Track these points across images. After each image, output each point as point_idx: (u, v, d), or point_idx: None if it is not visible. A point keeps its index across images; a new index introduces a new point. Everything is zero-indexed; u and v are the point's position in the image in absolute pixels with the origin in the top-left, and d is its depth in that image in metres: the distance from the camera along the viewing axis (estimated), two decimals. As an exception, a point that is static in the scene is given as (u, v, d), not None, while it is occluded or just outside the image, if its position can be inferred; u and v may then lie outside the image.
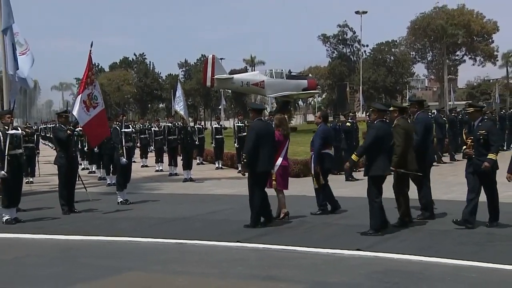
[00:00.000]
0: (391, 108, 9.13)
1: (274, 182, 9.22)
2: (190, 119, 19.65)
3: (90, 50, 11.30)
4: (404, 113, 9.08)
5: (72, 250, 7.98)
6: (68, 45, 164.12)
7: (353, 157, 8.20)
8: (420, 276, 5.98)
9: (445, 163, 18.30)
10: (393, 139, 8.37)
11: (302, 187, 11.99)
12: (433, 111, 27.87)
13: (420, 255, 6.77)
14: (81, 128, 12.02)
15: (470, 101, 16.49)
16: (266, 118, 22.51)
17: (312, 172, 9.87)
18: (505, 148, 23.96)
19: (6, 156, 9.81)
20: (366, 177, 8.28)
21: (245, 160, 8.78)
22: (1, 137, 9.88)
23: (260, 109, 9.80)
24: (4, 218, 9.92)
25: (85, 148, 18.41)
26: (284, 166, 9.40)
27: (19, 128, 10.96)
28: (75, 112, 10.96)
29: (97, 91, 11.25)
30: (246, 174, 8.96)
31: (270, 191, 9.16)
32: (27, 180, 15.19)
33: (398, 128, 8.48)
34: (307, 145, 12.24)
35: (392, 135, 8.35)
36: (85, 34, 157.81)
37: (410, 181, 8.96)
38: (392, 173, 8.51)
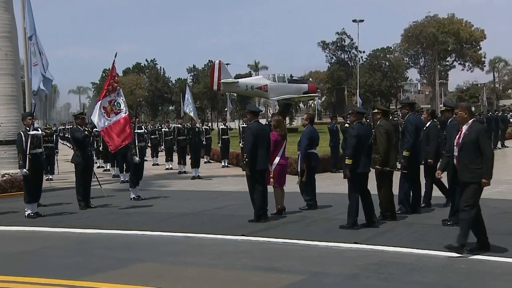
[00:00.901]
0: (375, 110, 9.13)
1: (272, 180, 9.23)
2: (198, 120, 19.68)
3: (114, 60, 11.17)
4: (387, 115, 9.07)
5: (88, 242, 8.00)
6: (84, 52, 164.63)
7: (348, 161, 8.03)
8: (412, 267, 5.97)
9: (436, 161, 18.24)
10: (374, 139, 8.38)
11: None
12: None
13: (413, 248, 6.76)
14: (96, 130, 12.00)
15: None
16: (269, 119, 22.55)
17: (299, 170, 9.83)
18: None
19: (27, 155, 9.86)
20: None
21: (246, 160, 8.78)
22: (23, 137, 9.94)
23: (257, 111, 9.76)
24: (26, 213, 9.97)
25: (100, 148, 18.48)
26: (282, 164, 9.41)
27: (39, 129, 11.03)
28: (93, 118, 10.81)
29: (121, 98, 10.94)
30: (247, 172, 8.93)
31: (269, 188, 9.16)
32: (47, 177, 15.25)
33: (381, 129, 8.46)
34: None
35: (370, 136, 8.34)
36: (100, 42, 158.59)
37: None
38: (375, 170, 8.53)
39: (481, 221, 6.57)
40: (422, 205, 9.52)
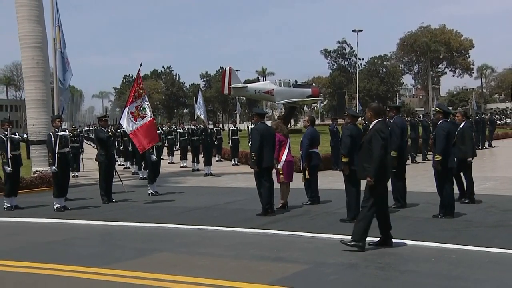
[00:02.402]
0: None
1: (281, 176, 9.20)
2: (210, 122, 19.73)
3: (139, 69, 11.09)
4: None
5: (110, 233, 8.04)
6: (106, 60, 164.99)
7: (343, 159, 7.98)
8: (408, 258, 5.94)
9: (430, 160, 18.12)
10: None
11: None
12: (419, 116, 27.76)
13: (408, 239, 6.71)
14: (119, 131, 11.99)
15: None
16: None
17: (301, 168, 9.79)
18: (479, 147, 23.78)
19: (56, 154, 9.92)
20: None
21: (254, 158, 8.77)
22: (53, 138, 10.00)
23: (263, 113, 9.70)
24: (55, 206, 10.03)
25: (121, 147, 18.55)
26: (289, 161, 9.37)
27: (66, 130, 11.09)
28: (122, 122, 10.72)
29: (146, 103, 10.80)
30: (256, 169, 8.91)
31: (276, 185, 9.13)
32: (73, 174, 15.33)
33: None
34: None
35: (361, 136, 8.27)
36: (121, 50, 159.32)
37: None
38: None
39: (386, 215, 6.34)
40: (466, 201, 9.22)
